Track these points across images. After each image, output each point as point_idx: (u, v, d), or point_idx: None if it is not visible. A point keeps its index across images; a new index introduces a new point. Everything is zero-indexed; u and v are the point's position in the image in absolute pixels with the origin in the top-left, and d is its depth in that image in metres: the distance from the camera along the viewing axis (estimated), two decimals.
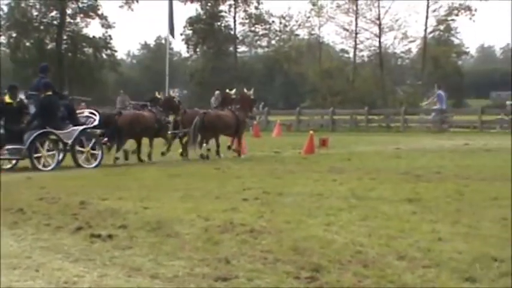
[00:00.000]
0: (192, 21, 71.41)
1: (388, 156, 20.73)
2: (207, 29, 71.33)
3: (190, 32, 72.04)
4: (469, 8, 63.33)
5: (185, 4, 68.99)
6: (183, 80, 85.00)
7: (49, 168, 17.85)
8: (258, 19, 71.64)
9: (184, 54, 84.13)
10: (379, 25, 64.47)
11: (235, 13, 71.12)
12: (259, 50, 77.87)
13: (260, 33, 73.43)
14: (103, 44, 71.83)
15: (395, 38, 66.91)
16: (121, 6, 68.95)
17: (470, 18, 63.86)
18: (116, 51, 74.27)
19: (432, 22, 65.65)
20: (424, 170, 15.60)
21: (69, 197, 11.57)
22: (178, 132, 21.75)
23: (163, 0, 44.15)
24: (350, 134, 36.69)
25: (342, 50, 76.19)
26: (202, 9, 71.60)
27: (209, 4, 71.33)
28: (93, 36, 71.54)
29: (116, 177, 15.03)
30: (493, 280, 6.24)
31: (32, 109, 18.74)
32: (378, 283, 6.20)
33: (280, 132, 36.14)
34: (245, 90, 22.76)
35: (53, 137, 18.36)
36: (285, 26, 72.44)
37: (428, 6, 62.96)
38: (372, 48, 67.39)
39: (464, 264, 6.68)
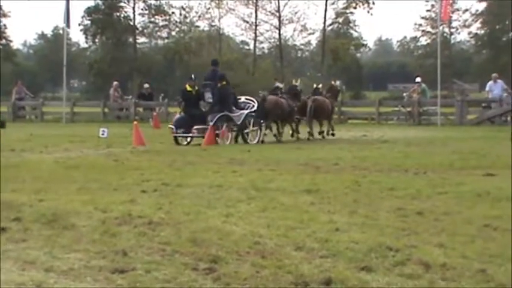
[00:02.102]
0: (90, 11, 70.36)
1: (288, 147, 20.89)
2: (106, 20, 70.37)
3: (88, 22, 71.01)
4: (366, 1, 64.28)
5: None
6: (81, 70, 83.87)
7: (226, 143, 21.96)
8: (158, 10, 71.06)
9: (83, 44, 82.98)
10: (279, 17, 64.94)
11: (134, 3, 70.44)
12: (159, 41, 77.26)
13: (160, 24, 72.88)
14: None
15: (294, 30, 67.60)
16: None
17: (368, 12, 64.88)
18: (11, 41, 72.80)
19: (331, 15, 66.56)
20: (323, 162, 15.76)
21: None
22: (298, 118, 25.40)
23: None
24: None
25: (242, 42, 76.72)
26: None
27: None
28: None
29: (11, 169, 14.66)
30: (388, 269, 6.35)
31: (207, 96, 22.88)
32: (275, 274, 6.22)
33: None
34: (332, 82, 28.82)
35: (228, 119, 22.51)
36: (185, 17, 72.01)
37: None
38: (272, 40, 67.94)
39: (361, 254, 6.78)
